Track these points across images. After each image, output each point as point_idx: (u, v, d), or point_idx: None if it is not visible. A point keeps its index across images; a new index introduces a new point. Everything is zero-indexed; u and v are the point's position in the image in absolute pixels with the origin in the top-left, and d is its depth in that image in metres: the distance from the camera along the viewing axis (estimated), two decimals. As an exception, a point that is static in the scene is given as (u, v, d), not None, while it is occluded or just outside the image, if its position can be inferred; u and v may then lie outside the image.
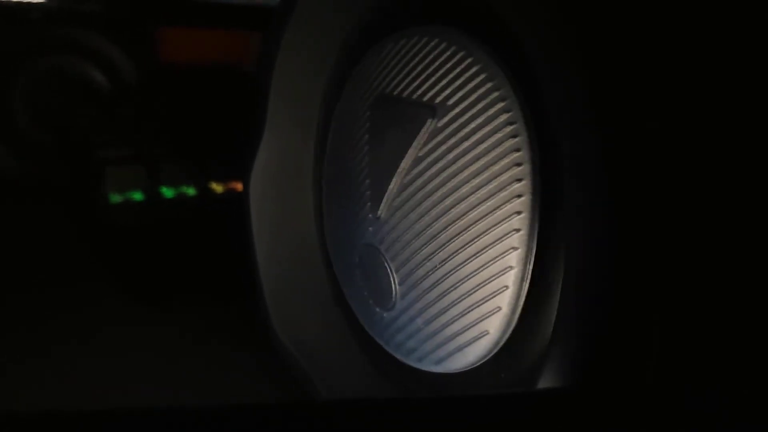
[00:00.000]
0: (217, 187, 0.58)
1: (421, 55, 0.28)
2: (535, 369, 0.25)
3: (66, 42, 0.62)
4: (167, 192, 0.57)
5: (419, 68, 0.28)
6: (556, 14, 0.22)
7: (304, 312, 0.37)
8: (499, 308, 0.25)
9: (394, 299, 0.30)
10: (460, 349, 0.27)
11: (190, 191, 0.58)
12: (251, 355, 0.42)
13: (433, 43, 0.28)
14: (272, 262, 0.37)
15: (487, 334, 0.26)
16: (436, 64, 0.27)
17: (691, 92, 0.21)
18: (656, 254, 0.20)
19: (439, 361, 0.28)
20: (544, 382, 0.23)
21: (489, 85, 0.25)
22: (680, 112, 0.20)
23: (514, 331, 0.25)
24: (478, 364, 0.27)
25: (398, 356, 0.31)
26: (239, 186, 0.59)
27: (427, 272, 0.27)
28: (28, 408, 0.35)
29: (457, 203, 0.26)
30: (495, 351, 0.26)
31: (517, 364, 0.26)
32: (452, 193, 0.26)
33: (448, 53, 0.27)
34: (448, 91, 0.27)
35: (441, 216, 0.27)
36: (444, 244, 0.27)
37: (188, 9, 0.62)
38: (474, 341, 0.26)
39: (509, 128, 0.24)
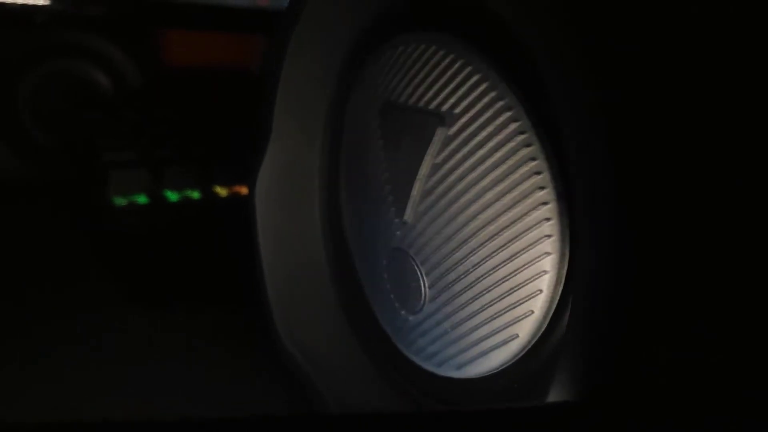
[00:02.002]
0: (222, 191, 0.58)
1: (425, 63, 0.28)
2: (549, 373, 0.25)
3: (70, 45, 0.62)
4: (171, 196, 0.57)
5: (422, 76, 0.28)
6: (564, 26, 0.22)
7: (309, 318, 0.37)
8: (532, 312, 0.25)
9: (422, 302, 0.30)
10: (485, 353, 0.27)
11: (195, 195, 0.57)
12: (256, 361, 0.42)
13: (436, 52, 0.28)
14: (277, 268, 0.37)
15: (516, 337, 0.26)
16: (437, 72, 0.28)
17: (705, 108, 0.21)
18: (649, 259, 0.20)
19: (460, 366, 0.28)
20: (555, 389, 0.23)
21: (492, 94, 0.25)
22: (678, 125, 0.20)
23: (543, 334, 0.26)
24: (499, 369, 0.27)
25: (417, 360, 0.31)
26: (243, 190, 0.59)
27: (459, 276, 0.28)
28: (27, 416, 0.35)
29: (484, 209, 0.26)
30: (520, 355, 0.26)
31: (538, 369, 0.26)
32: (477, 199, 0.26)
33: (456, 65, 0.27)
34: (452, 100, 0.27)
35: (469, 221, 0.27)
36: (475, 249, 0.27)
37: (192, 12, 0.62)
38: (501, 345, 0.26)
39: (520, 137, 0.25)
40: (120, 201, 0.54)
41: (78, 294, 0.49)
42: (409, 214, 0.30)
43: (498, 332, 0.26)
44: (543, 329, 0.25)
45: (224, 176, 0.58)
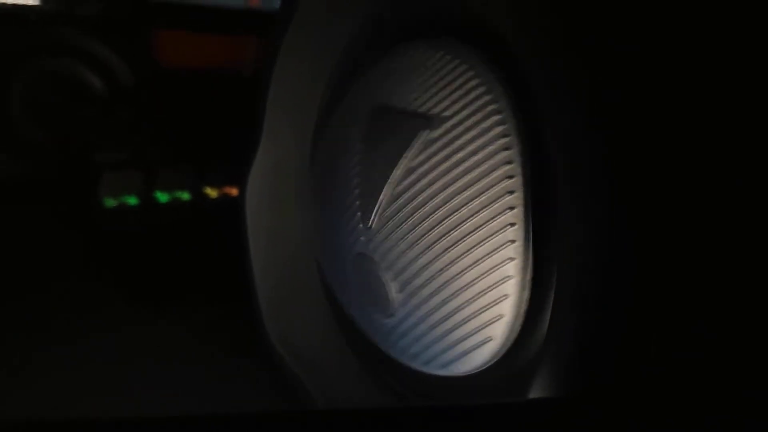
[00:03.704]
0: (212, 192, 0.58)
1: (419, 66, 0.28)
2: (534, 372, 0.25)
3: (62, 45, 0.62)
4: (162, 197, 0.57)
5: (417, 79, 0.28)
6: (553, 28, 0.22)
7: (299, 319, 0.36)
8: (501, 315, 0.25)
9: (393, 307, 0.30)
10: (465, 353, 0.27)
11: (185, 196, 0.57)
12: (247, 360, 0.42)
13: (431, 55, 0.28)
14: (268, 270, 0.37)
15: (491, 340, 0.26)
16: (435, 76, 0.27)
17: (690, 110, 0.21)
18: (649, 259, 0.20)
19: (446, 365, 0.28)
20: (537, 387, 0.23)
21: (487, 98, 0.25)
22: (676, 126, 0.21)
23: (517, 336, 0.25)
24: (484, 367, 0.27)
25: (403, 360, 0.31)
26: (233, 191, 0.59)
27: (426, 281, 0.27)
28: (23, 415, 0.35)
29: (451, 214, 0.26)
30: (500, 355, 0.26)
31: (522, 367, 0.26)
32: (445, 204, 0.26)
33: (448, 66, 0.27)
34: (445, 103, 0.27)
35: (435, 226, 0.27)
36: (440, 254, 0.27)
37: (186, 13, 0.62)
38: (479, 347, 0.26)
39: (503, 140, 0.24)
40: (111, 202, 0.54)
41: (71, 294, 0.49)
42: (374, 219, 0.29)
43: (473, 334, 0.26)
44: (517, 332, 0.25)
45: (214, 177, 0.58)
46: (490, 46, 0.26)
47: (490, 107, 0.25)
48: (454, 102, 0.26)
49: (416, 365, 0.30)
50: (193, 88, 0.61)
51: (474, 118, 0.25)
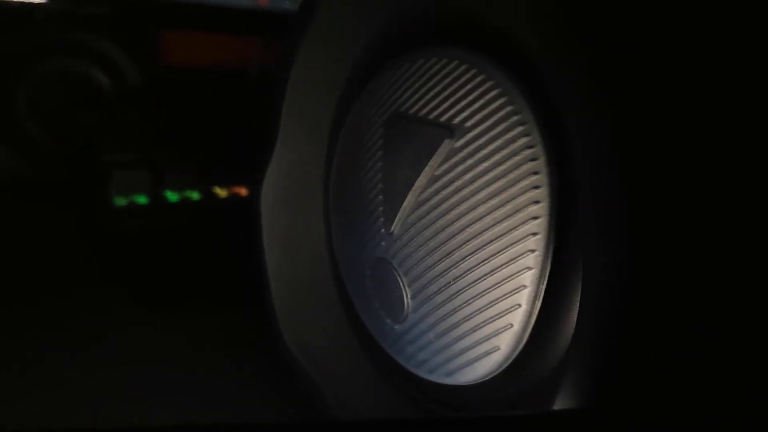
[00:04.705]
0: (221, 192, 0.58)
1: (439, 75, 0.28)
2: (545, 384, 0.26)
3: (70, 44, 0.62)
4: (171, 196, 0.57)
5: (437, 89, 0.28)
6: (575, 41, 0.22)
7: (313, 322, 0.37)
8: (511, 325, 0.26)
9: (405, 312, 0.30)
10: (470, 363, 0.27)
11: (194, 196, 0.57)
12: (256, 363, 0.42)
13: (451, 65, 0.28)
14: (282, 274, 0.37)
15: (498, 349, 0.26)
16: (455, 85, 0.28)
17: (711, 122, 0.21)
18: (672, 276, 0.20)
19: (450, 374, 0.29)
20: (559, 399, 0.23)
21: (509, 108, 0.26)
22: (698, 138, 0.21)
23: (524, 347, 0.26)
24: (488, 377, 0.27)
25: (409, 367, 0.31)
26: (242, 191, 0.59)
27: (440, 288, 0.28)
28: (28, 420, 0.35)
29: (473, 222, 0.26)
30: (505, 366, 0.27)
31: (526, 378, 0.26)
32: (468, 212, 0.27)
33: (467, 75, 0.27)
34: (466, 113, 0.27)
35: (457, 234, 0.27)
36: (458, 262, 0.27)
37: (193, 13, 0.62)
38: (484, 356, 0.27)
39: (528, 151, 0.25)
40: (120, 201, 0.54)
41: (79, 297, 0.49)
42: (396, 224, 0.30)
43: (480, 343, 0.27)
44: (524, 343, 0.26)
45: (223, 177, 0.58)
46: (509, 57, 0.26)
47: (514, 118, 0.25)
48: (475, 112, 0.27)
49: (422, 373, 0.30)
50: (201, 87, 0.61)
51: (498, 129, 0.26)
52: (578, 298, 0.24)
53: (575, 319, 0.24)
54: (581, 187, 0.23)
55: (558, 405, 0.23)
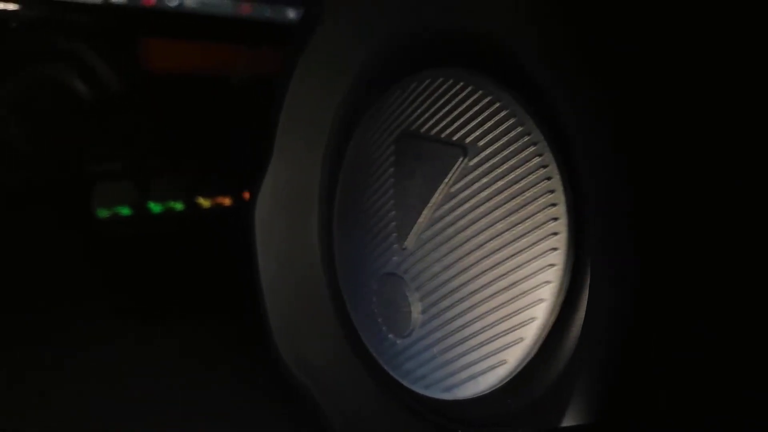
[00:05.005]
0: (205, 202, 0.58)
1: (447, 96, 0.29)
2: (545, 397, 0.26)
3: (47, 52, 0.61)
4: (155, 207, 0.56)
5: (446, 109, 0.29)
6: (581, 63, 0.23)
7: (310, 335, 0.37)
8: (522, 339, 0.26)
9: (412, 327, 0.30)
10: (473, 377, 0.28)
11: (178, 206, 0.57)
12: (245, 373, 0.42)
13: (459, 86, 0.28)
14: (278, 287, 0.36)
15: (504, 363, 0.27)
16: (464, 106, 0.28)
17: (722, 140, 0.21)
18: (672, 276, 0.21)
19: (448, 389, 0.29)
20: (560, 412, 0.24)
21: (520, 129, 0.26)
22: (698, 138, 0.21)
23: (531, 360, 0.26)
24: (488, 392, 0.28)
25: (405, 383, 0.31)
26: (226, 201, 0.58)
27: (453, 303, 0.28)
28: (19, 430, 0.34)
29: (491, 239, 0.27)
30: (507, 380, 0.27)
31: (526, 391, 0.27)
32: (486, 228, 0.27)
33: (475, 96, 0.28)
34: (478, 133, 0.28)
35: (474, 250, 0.27)
36: (475, 277, 0.27)
37: (176, 21, 0.61)
38: (488, 370, 0.27)
39: (543, 170, 0.25)
40: (103, 213, 0.54)
41: (65, 308, 0.48)
42: (410, 240, 0.30)
43: (487, 357, 0.27)
44: (532, 355, 0.26)
45: (207, 187, 0.57)
46: (517, 80, 0.26)
47: (525, 138, 0.26)
48: (486, 132, 0.27)
49: (418, 389, 0.31)
50: (185, 97, 0.60)
51: (511, 149, 0.26)
52: (584, 310, 0.24)
53: (579, 331, 0.25)
54: (588, 201, 0.23)
55: (559, 418, 0.24)
